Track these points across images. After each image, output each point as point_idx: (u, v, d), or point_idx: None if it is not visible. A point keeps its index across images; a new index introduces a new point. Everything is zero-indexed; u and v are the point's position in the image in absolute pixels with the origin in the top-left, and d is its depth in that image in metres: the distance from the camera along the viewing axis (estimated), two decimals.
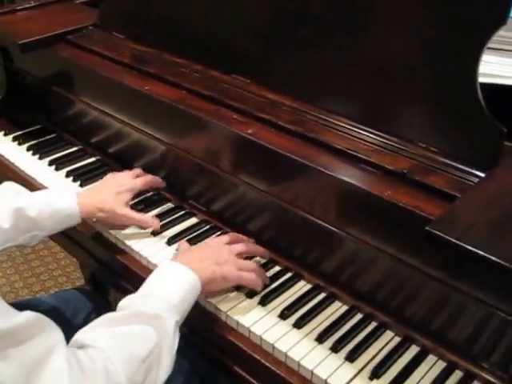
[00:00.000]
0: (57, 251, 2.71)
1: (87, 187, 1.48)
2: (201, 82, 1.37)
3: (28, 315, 0.84)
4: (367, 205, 1.05)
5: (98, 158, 1.63)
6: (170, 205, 1.44)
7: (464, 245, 0.84)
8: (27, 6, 1.79)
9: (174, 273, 1.09)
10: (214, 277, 1.12)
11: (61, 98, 1.65)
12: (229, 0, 1.38)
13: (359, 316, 1.14)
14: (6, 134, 1.75)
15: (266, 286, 1.20)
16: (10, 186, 1.33)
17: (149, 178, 1.42)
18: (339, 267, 1.16)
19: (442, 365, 1.05)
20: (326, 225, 1.13)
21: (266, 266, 1.25)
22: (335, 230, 1.12)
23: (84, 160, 1.62)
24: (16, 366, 0.79)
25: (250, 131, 1.20)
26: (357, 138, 1.14)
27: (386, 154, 1.10)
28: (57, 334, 0.87)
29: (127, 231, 1.34)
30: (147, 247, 1.29)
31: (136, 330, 0.97)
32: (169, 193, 1.45)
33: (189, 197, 1.41)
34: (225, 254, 1.17)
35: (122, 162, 1.55)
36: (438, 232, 0.86)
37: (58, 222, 1.27)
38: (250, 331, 1.11)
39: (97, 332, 0.96)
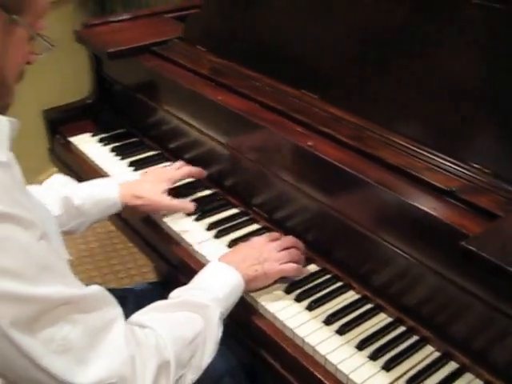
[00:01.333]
0: (135, 251, 2.84)
1: None
2: (271, 96, 1.44)
3: (94, 288, 0.95)
4: (414, 220, 1.08)
5: (173, 162, 1.72)
6: (235, 210, 1.51)
7: (497, 262, 0.87)
8: (121, 18, 1.93)
9: (220, 271, 1.19)
10: (256, 275, 1.22)
11: (143, 104, 1.76)
12: (307, 19, 1.46)
13: (402, 329, 1.17)
14: (93, 136, 1.88)
15: (315, 293, 1.25)
16: (58, 177, 1.49)
17: (187, 169, 1.54)
18: (387, 281, 1.20)
19: None
20: (376, 237, 1.17)
21: (318, 274, 1.29)
22: (384, 243, 1.15)
23: (161, 163, 1.72)
24: (81, 330, 0.89)
25: (310, 143, 1.26)
26: (412, 155, 1.18)
27: (439, 172, 1.13)
28: (118, 309, 0.98)
29: (195, 238, 1.42)
30: (208, 248, 1.37)
31: (184, 316, 1.07)
32: (234, 198, 1.53)
33: (252, 203, 1.48)
34: (265, 253, 1.25)
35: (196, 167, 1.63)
36: (472, 248, 0.89)
37: (100, 210, 1.41)
38: (294, 333, 1.15)
39: (150, 315, 1.06)
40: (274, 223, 1.43)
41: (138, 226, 1.55)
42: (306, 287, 1.26)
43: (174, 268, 1.43)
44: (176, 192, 1.52)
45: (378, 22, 1.35)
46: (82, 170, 1.77)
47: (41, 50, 1.04)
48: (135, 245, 1.67)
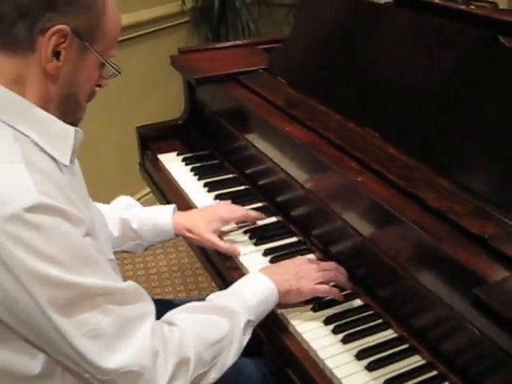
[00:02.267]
0: None
1: None
2: (335, 131, 1.49)
3: (130, 284, 1.06)
4: (442, 263, 1.09)
5: (246, 187, 1.80)
6: (293, 239, 1.55)
7: (506, 314, 0.86)
8: (215, 46, 2.04)
9: (257, 281, 1.26)
10: (290, 289, 1.27)
11: (225, 129, 1.86)
12: (381, 60, 1.51)
13: (433, 373, 1.16)
14: (178, 154, 2.00)
15: (353, 326, 1.26)
16: (124, 199, 1.59)
17: (243, 213, 1.57)
18: (425, 323, 1.19)
19: None
20: (412, 278, 1.18)
21: (359, 310, 1.31)
22: (421, 285, 1.16)
23: (234, 187, 1.80)
24: (112, 320, 0.99)
25: (359, 179, 1.29)
26: (454, 199, 1.18)
27: (477, 218, 1.12)
28: (150, 306, 1.07)
29: (251, 261, 1.47)
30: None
31: (212, 319, 1.15)
32: (295, 227, 1.57)
33: (311, 233, 1.52)
34: (303, 271, 1.30)
35: (265, 194, 1.71)
36: (483, 296, 0.89)
37: (155, 235, 1.52)
38: (324, 363, 1.18)
39: (181, 315, 1.15)
40: (328, 254, 1.45)
41: None
42: (345, 320, 1.27)
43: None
44: None
45: (449, 71, 1.36)
46: (165, 186, 1.89)
47: (110, 75, 1.15)
48: (198, 258, 1.76)
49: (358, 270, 1.36)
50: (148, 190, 2.41)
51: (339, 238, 1.42)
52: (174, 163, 1.96)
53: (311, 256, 1.48)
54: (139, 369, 1.00)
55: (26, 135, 1.02)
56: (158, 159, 1.99)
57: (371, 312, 1.30)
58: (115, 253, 1.44)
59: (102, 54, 1.08)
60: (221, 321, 1.15)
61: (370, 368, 1.16)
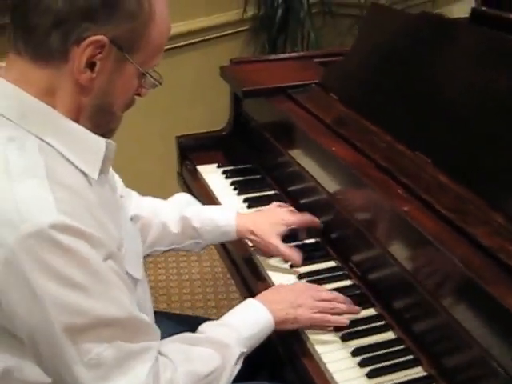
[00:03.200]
0: None
1: None
2: (383, 153, 1.40)
3: (142, 318, 1.02)
4: (488, 307, 1.00)
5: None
6: (331, 263, 1.47)
7: None
8: (268, 58, 1.98)
9: (254, 310, 1.22)
10: (287, 318, 1.23)
11: (270, 144, 1.79)
12: (441, 84, 1.42)
13: None
14: (218, 166, 1.93)
15: (381, 361, 1.18)
16: (183, 196, 1.57)
17: (306, 217, 1.52)
18: (458, 365, 1.11)
19: None
20: (453, 319, 1.08)
21: (391, 343, 1.23)
22: (459, 325, 1.07)
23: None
24: (115, 351, 0.96)
25: (405, 208, 1.20)
26: (508, 237, 1.09)
27: None
28: (154, 342, 1.04)
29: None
30: None
31: (204, 352, 1.11)
32: (333, 250, 1.49)
33: (350, 258, 1.43)
34: (302, 298, 1.26)
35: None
36: None
37: (216, 236, 1.48)
38: None
39: (174, 345, 1.11)
40: (365, 282, 1.37)
41: (237, 258, 1.58)
42: (374, 354, 1.20)
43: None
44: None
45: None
46: (203, 199, 1.81)
47: (149, 85, 1.08)
48: (228, 268, 1.72)
49: (395, 301, 1.27)
50: None
51: (378, 267, 1.33)
52: (213, 175, 1.90)
53: (347, 282, 1.40)
54: None
55: (53, 147, 0.98)
56: (196, 170, 1.94)
57: (402, 347, 1.22)
58: (172, 250, 1.50)
59: (143, 64, 1.02)
60: (212, 354, 1.11)
61: None
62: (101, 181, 1.07)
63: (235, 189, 1.81)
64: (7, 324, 0.95)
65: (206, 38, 2.94)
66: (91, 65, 0.97)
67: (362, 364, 1.17)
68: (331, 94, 1.72)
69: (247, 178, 1.87)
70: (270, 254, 1.48)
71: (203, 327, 1.18)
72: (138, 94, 1.09)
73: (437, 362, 1.14)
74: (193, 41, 2.88)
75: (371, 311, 1.31)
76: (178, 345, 1.11)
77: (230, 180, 1.86)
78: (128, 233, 1.19)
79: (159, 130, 2.83)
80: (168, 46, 2.69)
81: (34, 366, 1.00)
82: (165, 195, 1.54)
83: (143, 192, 1.51)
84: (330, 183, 1.49)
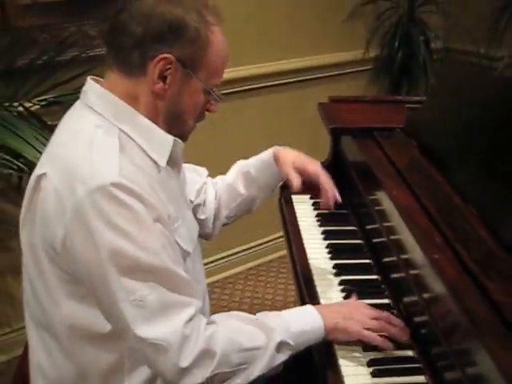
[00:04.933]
0: None
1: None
2: (438, 202, 1.47)
3: (186, 277, 1.23)
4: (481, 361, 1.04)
5: (361, 242, 1.81)
6: (382, 300, 1.53)
7: None
8: (364, 99, 2.08)
9: (307, 313, 1.36)
10: (336, 327, 1.32)
11: (353, 181, 1.89)
12: None
13: None
14: (311, 198, 2.07)
15: None
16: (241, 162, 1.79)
17: (331, 186, 1.68)
18: None
19: None
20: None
21: None
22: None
23: (349, 240, 1.83)
24: (157, 297, 1.16)
25: (436, 256, 1.27)
26: None
27: None
28: (196, 301, 1.23)
29: None
30: None
31: (251, 329, 1.27)
32: (388, 288, 1.56)
33: (401, 300, 1.49)
34: (354, 313, 1.35)
35: (374, 252, 1.72)
36: None
37: (266, 175, 1.74)
38: None
39: (224, 317, 1.31)
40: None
41: None
42: None
43: None
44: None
45: None
46: (290, 225, 1.96)
47: (216, 100, 1.34)
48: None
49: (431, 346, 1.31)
50: None
51: (416, 313, 1.39)
52: (303, 205, 2.03)
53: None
54: (166, 345, 1.15)
55: (130, 137, 1.25)
56: (291, 198, 2.08)
57: None
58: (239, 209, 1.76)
59: (206, 82, 1.28)
60: (258, 333, 1.26)
61: None
62: (168, 173, 1.34)
63: (318, 220, 1.93)
64: (73, 268, 1.19)
65: (330, 74, 3.10)
66: (164, 78, 1.24)
67: None
68: (411, 139, 1.81)
69: (333, 211, 1.98)
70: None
71: (259, 314, 1.34)
72: (208, 110, 1.36)
73: None
74: (315, 76, 3.04)
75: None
76: (229, 318, 1.30)
77: (316, 212, 1.98)
78: (186, 217, 1.42)
79: None
80: (293, 79, 2.90)
81: (96, 312, 1.22)
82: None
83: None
84: (388, 225, 1.58)
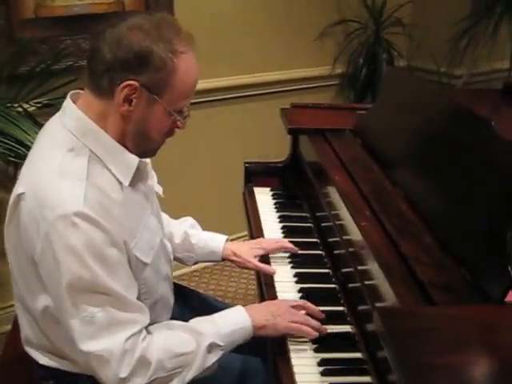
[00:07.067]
0: None
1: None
2: (372, 186, 1.76)
3: (140, 304, 1.35)
4: None
5: (309, 225, 2.09)
6: (325, 270, 1.82)
7: None
8: (321, 105, 2.37)
9: (237, 313, 1.50)
10: (266, 324, 1.47)
11: (306, 175, 2.16)
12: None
13: None
14: (271, 190, 2.35)
15: None
16: (190, 219, 1.91)
17: (282, 244, 1.87)
18: None
19: None
20: None
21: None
22: None
23: (301, 223, 2.10)
24: (106, 316, 1.28)
25: (363, 224, 1.55)
26: (423, 251, 1.41)
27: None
28: (143, 318, 1.35)
29: None
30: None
31: (182, 336, 1.40)
32: (330, 261, 1.84)
33: (338, 266, 1.77)
34: (281, 310, 1.51)
35: (320, 233, 1.99)
36: None
37: (205, 254, 1.85)
38: None
39: (159, 326, 1.43)
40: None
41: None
42: None
43: None
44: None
45: None
46: (251, 212, 2.21)
47: (181, 121, 1.40)
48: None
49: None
50: None
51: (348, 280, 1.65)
52: (263, 196, 2.31)
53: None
54: (109, 356, 1.27)
55: (100, 158, 1.35)
56: (253, 191, 2.35)
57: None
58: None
59: (170, 105, 1.34)
60: (189, 339, 1.39)
61: None
62: (136, 188, 1.42)
63: (276, 208, 2.21)
64: (42, 274, 1.32)
65: (300, 87, 3.40)
66: (130, 101, 1.31)
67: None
68: (358, 139, 2.10)
69: (288, 201, 2.26)
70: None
71: (192, 320, 1.46)
72: (177, 127, 1.41)
73: None
74: (286, 89, 3.35)
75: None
76: (162, 327, 1.43)
77: (274, 201, 2.26)
78: (148, 227, 1.47)
79: (231, 157, 3.18)
80: (271, 90, 3.18)
81: None
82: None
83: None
84: (329, 201, 1.85)
